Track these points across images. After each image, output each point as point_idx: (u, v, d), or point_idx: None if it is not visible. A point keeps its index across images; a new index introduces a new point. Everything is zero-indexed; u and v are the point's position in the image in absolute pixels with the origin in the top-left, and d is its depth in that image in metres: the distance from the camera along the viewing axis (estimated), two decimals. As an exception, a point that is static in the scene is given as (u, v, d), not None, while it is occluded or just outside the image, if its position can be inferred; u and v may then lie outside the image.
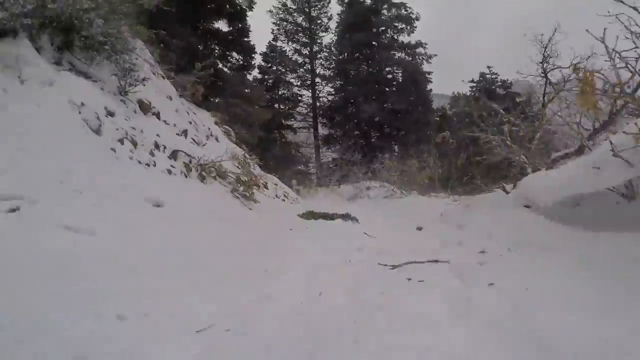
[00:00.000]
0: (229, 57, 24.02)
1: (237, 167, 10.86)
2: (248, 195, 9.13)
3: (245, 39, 24.30)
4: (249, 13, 23.63)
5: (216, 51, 23.19)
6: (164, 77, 12.45)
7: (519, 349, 3.25)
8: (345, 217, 10.97)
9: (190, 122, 11.27)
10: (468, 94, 34.68)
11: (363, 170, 22.41)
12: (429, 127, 33.55)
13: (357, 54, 33.35)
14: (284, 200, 13.60)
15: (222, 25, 23.16)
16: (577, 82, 7.84)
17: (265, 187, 12.46)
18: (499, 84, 35.56)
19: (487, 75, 36.15)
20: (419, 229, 10.25)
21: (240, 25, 23.52)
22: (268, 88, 34.26)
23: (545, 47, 12.49)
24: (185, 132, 9.81)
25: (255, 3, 23.58)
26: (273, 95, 34.50)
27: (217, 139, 12.43)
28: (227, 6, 22.42)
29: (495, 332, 3.52)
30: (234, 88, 20.27)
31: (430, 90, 34.42)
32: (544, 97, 12.36)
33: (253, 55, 25.18)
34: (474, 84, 35.92)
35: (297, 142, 35.72)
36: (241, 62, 24.54)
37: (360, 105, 32.11)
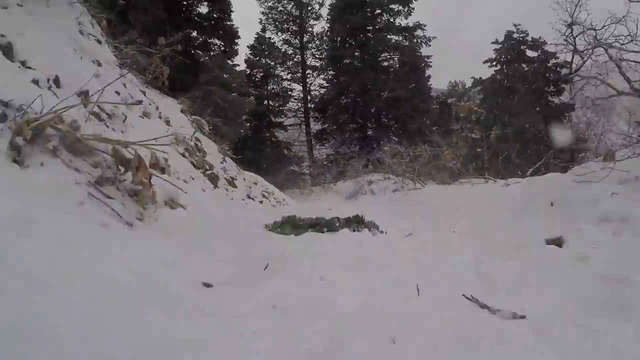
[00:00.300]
0: (209, 43, 20.82)
1: (184, 155, 7.68)
2: (138, 195, 4.16)
3: (227, 23, 21.18)
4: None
5: (192, 35, 20.10)
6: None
7: None
8: (356, 223, 6.48)
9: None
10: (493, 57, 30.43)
11: (362, 163, 19.19)
12: (428, 116, 30.57)
13: (351, 40, 30.13)
14: (261, 202, 10.35)
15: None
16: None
17: (232, 184, 9.25)
18: (530, 42, 29.57)
19: (515, 35, 29.94)
20: (555, 241, 5.05)
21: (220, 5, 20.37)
22: (256, 84, 31.76)
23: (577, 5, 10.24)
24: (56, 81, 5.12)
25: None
26: (262, 91, 31.90)
27: (167, 123, 9.12)
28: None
29: None
30: (211, 74, 17.05)
31: (429, 76, 31.27)
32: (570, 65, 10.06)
33: (236, 40, 21.89)
34: (499, 45, 30.20)
35: (289, 141, 32.81)
36: (222, 48, 21.29)
37: (355, 95, 29.05)
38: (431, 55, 30.29)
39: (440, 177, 14.17)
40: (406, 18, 30.26)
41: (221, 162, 10.35)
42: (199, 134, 11.67)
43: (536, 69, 28.83)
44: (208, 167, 7.83)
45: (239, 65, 21.34)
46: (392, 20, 30.38)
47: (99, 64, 7.73)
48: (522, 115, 23.08)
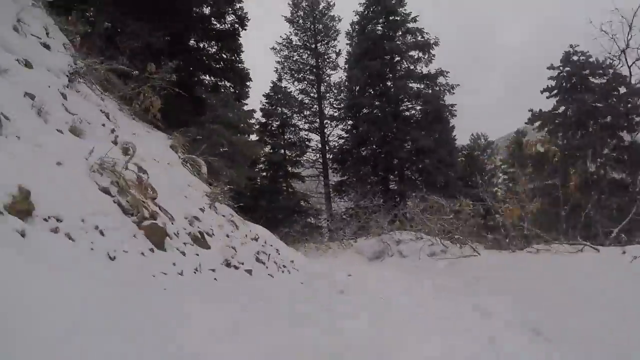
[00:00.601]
0: (219, 85, 18.44)
1: (108, 191, 4.70)
2: None
3: (239, 65, 18.92)
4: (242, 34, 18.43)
5: (204, 79, 17.81)
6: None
7: None
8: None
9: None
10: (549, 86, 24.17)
11: (387, 218, 16.15)
12: (454, 169, 27.57)
13: (370, 89, 27.78)
14: (249, 271, 7.17)
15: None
16: None
17: (202, 242, 6.21)
18: (594, 64, 23.21)
19: (574, 58, 23.85)
20: None
21: (232, 46, 18.16)
22: (273, 133, 29.92)
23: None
24: None
25: (249, 19, 18.38)
26: (278, 140, 29.88)
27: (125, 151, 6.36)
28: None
29: None
30: (215, 112, 14.51)
31: (453, 126, 28.62)
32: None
33: (247, 83, 19.50)
34: (558, 70, 24.13)
35: (306, 192, 30.21)
36: (232, 90, 18.87)
37: (376, 145, 26.51)
38: (455, 104, 27.66)
39: (494, 240, 10.96)
40: (426, 65, 27.96)
41: (200, 210, 7.47)
42: (182, 171, 8.97)
43: (604, 98, 22.59)
44: (149, 215, 4.90)
45: (253, 110, 18.63)
46: (412, 67, 28.03)
47: (28, 65, 5.16)
48: (594, 157, 19.21)
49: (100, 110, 7.10)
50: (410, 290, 7.11)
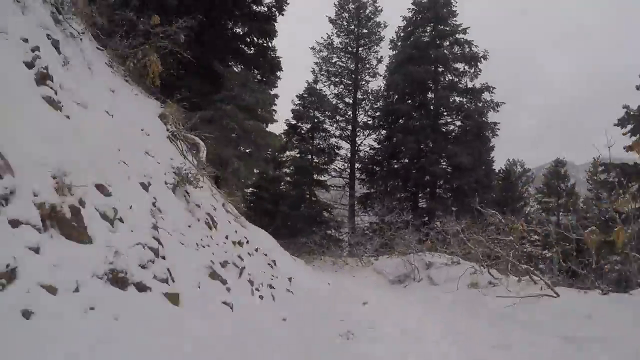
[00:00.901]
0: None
1: None
2: None
3: (271, 53, 16.72)
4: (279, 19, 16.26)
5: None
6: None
7: None
8: None
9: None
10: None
11: (417, 237, 13.51)
12: (490, 192, 24.63)
13: (409, 99, 25.16)
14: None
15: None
16: None
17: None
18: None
19: None
20: None
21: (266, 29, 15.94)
22: (302, 136, 27.82)
23: None
24: None
25: (288, 3, 16.22)
26: (307, 144, 27.65)
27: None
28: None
29: None
30: (232, 92, 12.21)
31: (493, 146, 25.63)
32: None
33: (277, 73, 17.23)
34: None
35: (329, 202, 27.81)
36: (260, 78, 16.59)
37: (410, 157, 23.87)
38: (498, 123, 24.80)
39: (567, 276, 8.17)
40: (471, 80, 25.24)
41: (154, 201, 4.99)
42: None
43: None
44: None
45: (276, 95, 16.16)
46: (456, 80, 25.34)
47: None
48: None
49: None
50: (459, 343, 4.51)
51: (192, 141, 8.82)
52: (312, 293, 8.18)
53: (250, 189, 28.94)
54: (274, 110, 15.46)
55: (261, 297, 5.84)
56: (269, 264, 7.45)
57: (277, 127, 36.92)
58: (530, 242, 9.83)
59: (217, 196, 8.63)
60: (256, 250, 7.40)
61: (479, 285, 8.39)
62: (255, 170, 16.55)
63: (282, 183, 27.78)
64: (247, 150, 13.96)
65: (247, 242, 7.21)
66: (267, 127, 15.03)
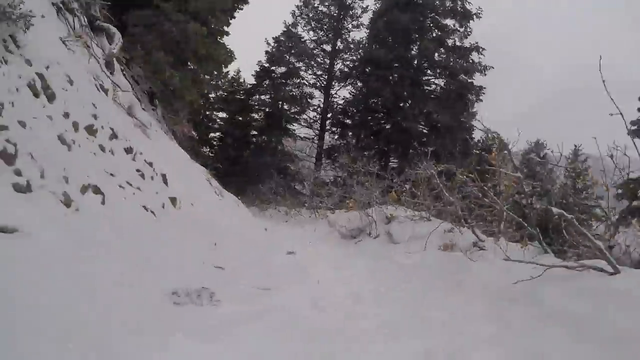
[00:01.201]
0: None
1: None
2: None
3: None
4: None
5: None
6: None
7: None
8: None
9: None
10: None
11: (380, 187, 10.99)
12: (468, 160, 22.21)
13: (392, 50, 22.05)
14: None
15: None
16: None
17: None
18: None
19: None
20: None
21: None
22: (274, 82, 25.22)
23: None
24: None
25: None
26: (279, 91, 24.99)
27: None
28: None
29: None
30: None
31: (476, 112, 22.99)
32: None
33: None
34: None
35: (296, 153, 25.56)
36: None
37: (386, 111, 21.40)
38: (484, 87, 22.13)
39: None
40: (461, 40, 22.39)
41: None
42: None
43: None
44: None
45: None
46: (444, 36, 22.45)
47: None
48: None
49: None
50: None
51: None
52: (229, 229, 5.68)
53: (218, 133, 26.82)
54: (230, 21, 12.38)
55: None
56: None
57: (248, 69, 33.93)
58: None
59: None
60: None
61: (456, 248, 5.90)
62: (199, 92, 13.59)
63: (251, 130, 25.41)
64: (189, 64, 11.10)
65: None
66: (220, 38, 12.03)
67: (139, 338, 2.68)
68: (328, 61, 26.37)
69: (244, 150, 24.13)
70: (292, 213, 15.65)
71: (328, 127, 25.69)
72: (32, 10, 4.70)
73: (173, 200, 5.38)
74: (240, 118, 25.18)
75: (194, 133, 14.48)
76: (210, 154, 24.49)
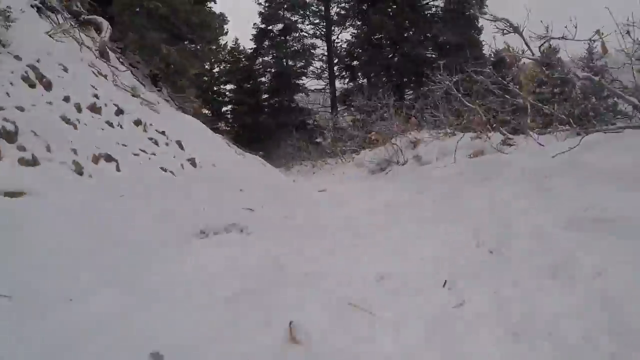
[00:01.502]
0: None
1: None
2: None
3: None
4: None
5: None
6: None
7: None
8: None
9: None
10: None
11: (400, 117, 10.56)
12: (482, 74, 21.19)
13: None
14: None
15: None
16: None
17: None
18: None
19: None
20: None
21: None
22: (274, 41, 24.66)
23: None
24: None
25: None
26: (280, 49, 24.42)
27: None
28: None
29: None
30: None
31: (482, 27, 21.71)
32: None
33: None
34: None
35: (311, 108, 25.16)
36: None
37: (390, 43, 20.38)
38: (486, -1, 20.71)
39: None
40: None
41: None
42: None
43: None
44: None
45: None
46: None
47: None
48: None
49: None
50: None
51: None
52: (256, 180, 5.62)
53: (230, 106, 26.51)
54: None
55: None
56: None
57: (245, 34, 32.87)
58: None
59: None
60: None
61: (486, 152, 5.57)
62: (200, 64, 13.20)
63: (261, 94, 24.96)
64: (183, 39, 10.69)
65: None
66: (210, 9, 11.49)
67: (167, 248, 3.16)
68: (323, 8, 25.30)
69: (258, 116, 23.80)
70: (319, 164, 15.39)
71: (337, 73, 24.88)
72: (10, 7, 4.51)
73: (192, 161, 5.24)
74: (249, 85, 24.74)
75: (205, 111, 14.15)
76: (227, 128, 24.33)
